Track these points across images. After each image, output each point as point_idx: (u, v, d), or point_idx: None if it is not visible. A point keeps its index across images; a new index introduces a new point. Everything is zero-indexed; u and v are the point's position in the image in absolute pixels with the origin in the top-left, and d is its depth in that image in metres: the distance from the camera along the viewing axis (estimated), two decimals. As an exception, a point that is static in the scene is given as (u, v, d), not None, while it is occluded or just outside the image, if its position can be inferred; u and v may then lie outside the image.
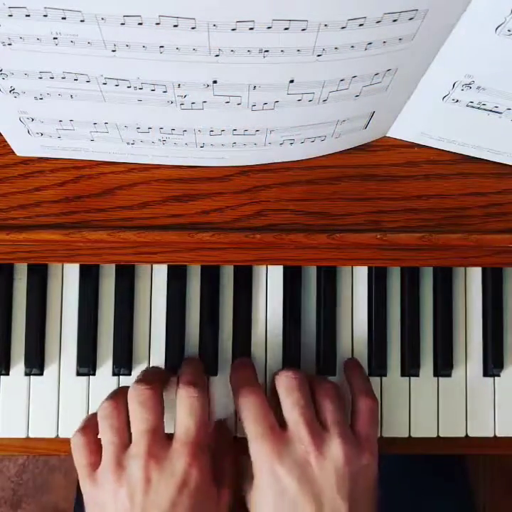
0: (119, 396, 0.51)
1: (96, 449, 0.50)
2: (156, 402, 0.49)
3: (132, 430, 0.49)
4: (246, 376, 0.54)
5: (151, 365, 0.56)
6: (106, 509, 0.48)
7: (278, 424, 0.50)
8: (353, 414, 0.53)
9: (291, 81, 0.37)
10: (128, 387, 0.51)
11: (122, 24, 0.32)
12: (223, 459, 0.53)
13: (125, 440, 0.49)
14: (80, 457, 0.50)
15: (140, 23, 0.32)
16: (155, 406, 0.49)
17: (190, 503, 0.47)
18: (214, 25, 0.32)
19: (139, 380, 0.51)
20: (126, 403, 0.50)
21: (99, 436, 0.51)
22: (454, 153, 0.49)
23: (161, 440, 0.48)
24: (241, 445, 0.52)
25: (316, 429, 0.50)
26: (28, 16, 0.31)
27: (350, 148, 0.49)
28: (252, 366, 0.55)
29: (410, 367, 0.58)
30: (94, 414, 0.52)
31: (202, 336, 0.57)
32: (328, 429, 0.50)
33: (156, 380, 0.52)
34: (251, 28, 0.32)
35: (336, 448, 0.49)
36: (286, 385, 0.51)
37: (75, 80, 0.37)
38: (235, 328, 0.57)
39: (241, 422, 0.51)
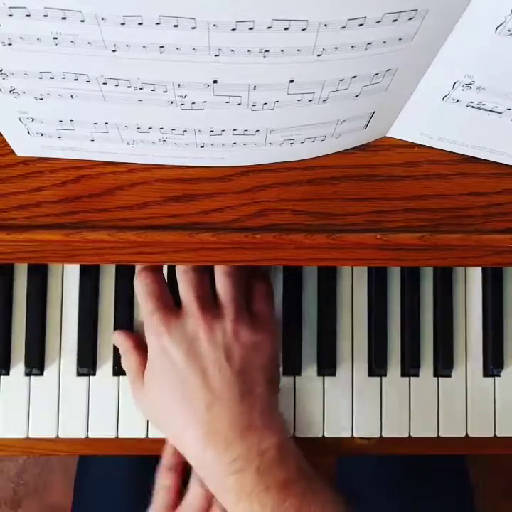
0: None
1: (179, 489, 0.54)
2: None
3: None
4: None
5: None
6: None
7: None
8: (248, 295, 0.55)
9: (291, 81, 0.37)
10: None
11: (122, 24, 0.32)
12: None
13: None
14: (162, 498, 0.55)
15: (140, 23, 0.32)
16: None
17: None
18: (214, 25, 0.32)
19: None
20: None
21: None
22: (454, 153, 0.49)
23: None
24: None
25: (208, 305, 0.51)
26: (28, 15, 0.31)
27: (350, 148, 0.49)
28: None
29: (410, 367, 0.58)
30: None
31: (202, 336, 0.57)
32: (221, 307, 0.52)
33: None
34: (251, 28, 0.32)
35: (226, 323, 0.51)
36: (181, 267, 0.53)
37: (75, 80, 0.37)
38: (235, 328, 0.57)
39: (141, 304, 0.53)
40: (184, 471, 0.54)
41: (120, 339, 0.55)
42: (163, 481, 0.54)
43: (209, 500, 0.52)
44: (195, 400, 0.49)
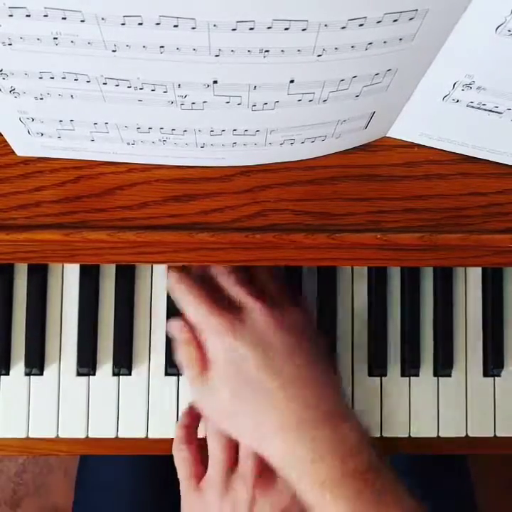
0: None
1: (200, 459, 0.53)
2: None
3: (240, 449, 0.51)
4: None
5: None
6: None
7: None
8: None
9: (292, 81, 0.37)
10: None
11: (122, 24, 0.32)
12: None
13: (232, 457, 0.51)
14: (184, 470, 0.53)
15: (140, 23, 0.32)
16: None
17: None
18: (214, 25, 0.32)
19: None
20: None
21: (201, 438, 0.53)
22: (454, 153, 0.49)
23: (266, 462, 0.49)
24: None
25: (263, 298, 0.51)
26: (28, 15, 0.31)
27: (351, 148, 0.49)
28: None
29: (410, 367, 0.58)
30: (190, 420, 0.54)
31: (202, 336, 0.57)
32: (275, 297, 0.52)
33: None
34: (251, 28, 0.32)
35: (290, 310, 0.51)
36: (223, 272, 0.52)
37: (75, 80, 0.37)
38: (235, 328, 0.57)
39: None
40: (199, 445, 0.54)
41: (177, 330, 0.52)
42: (178, 453, 0.53)
43: (232, 459, 0.52)
44: (274, 392, 0.48)
